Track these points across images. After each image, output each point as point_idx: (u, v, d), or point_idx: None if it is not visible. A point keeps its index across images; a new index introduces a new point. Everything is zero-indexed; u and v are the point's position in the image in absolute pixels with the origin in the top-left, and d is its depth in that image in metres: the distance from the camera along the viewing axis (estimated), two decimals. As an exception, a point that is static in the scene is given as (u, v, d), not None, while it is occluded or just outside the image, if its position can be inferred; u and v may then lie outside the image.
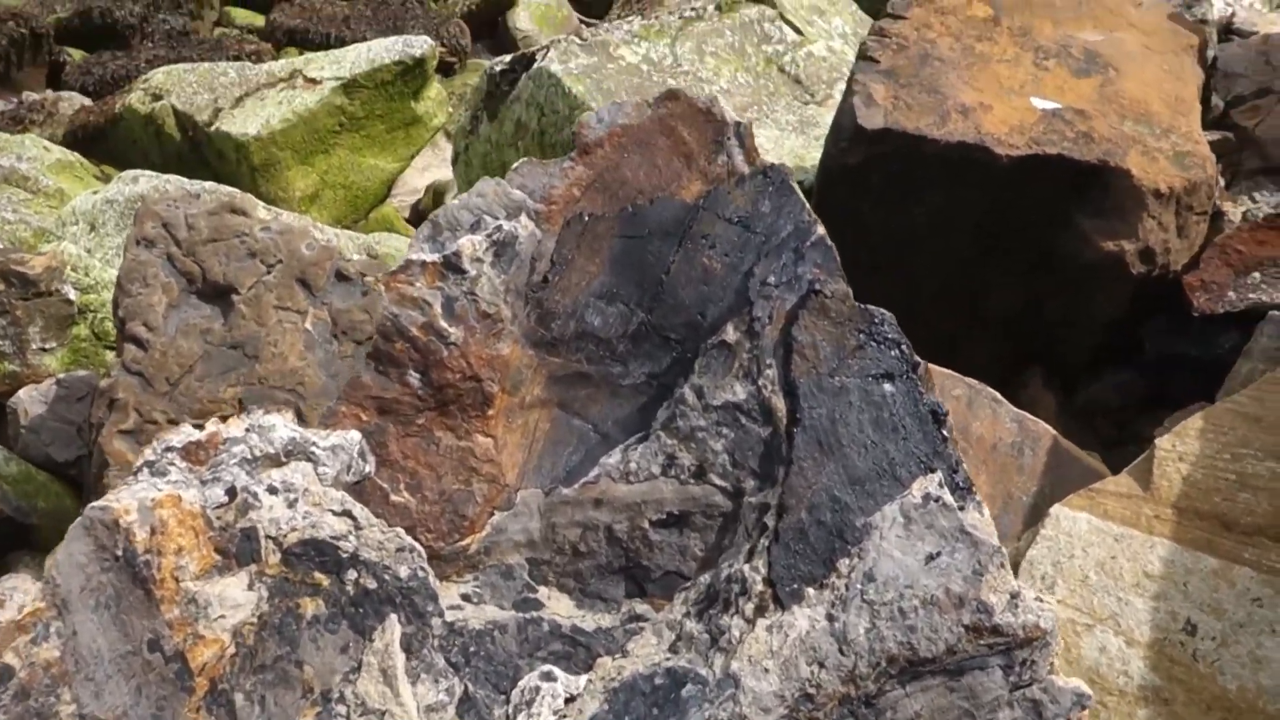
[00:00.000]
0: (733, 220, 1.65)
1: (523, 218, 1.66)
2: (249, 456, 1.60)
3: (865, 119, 2.29)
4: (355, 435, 1.64)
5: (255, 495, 1.59)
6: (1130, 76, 2.53)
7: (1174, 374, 2.49)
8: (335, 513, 1.60)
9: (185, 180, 3.53)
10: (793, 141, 3.25)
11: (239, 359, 1.78)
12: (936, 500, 1.49)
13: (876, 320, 1.57)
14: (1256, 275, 2.41)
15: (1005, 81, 2.46)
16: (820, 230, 1.63)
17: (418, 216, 4.84)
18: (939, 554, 1.47)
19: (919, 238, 2.42)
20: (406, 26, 6.57)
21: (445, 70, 6.17)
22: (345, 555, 1.58)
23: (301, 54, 5.89)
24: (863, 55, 2.49)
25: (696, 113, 1.69)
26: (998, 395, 2.02)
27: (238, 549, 1.57)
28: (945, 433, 1.54)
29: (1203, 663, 1.60)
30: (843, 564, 1.49)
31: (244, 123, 4.77)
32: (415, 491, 1.64)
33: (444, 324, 1.62)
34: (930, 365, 1.60)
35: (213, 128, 4.82)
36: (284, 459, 1.61)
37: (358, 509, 1.61)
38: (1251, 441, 1.69)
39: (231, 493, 1.59)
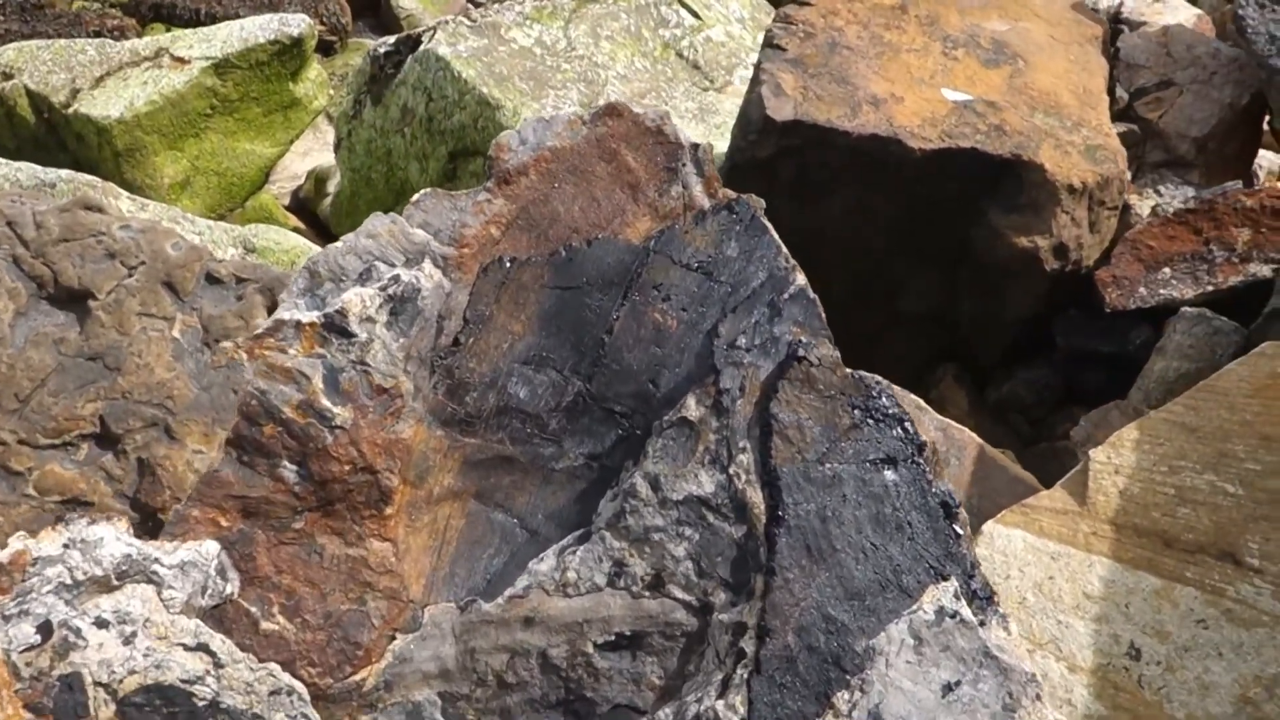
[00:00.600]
0: (691, 266, 1.33)
1: (426, 265, 1.31)
2: (68, 581, 1.22)
3: (774, 110, 2.19)
4: (212, 547, 1.26)
5: (78, 631, 1.21)
6: (1039, 68, 2.52)
7: (1086, 370, 2.49)
8: (187, 647, 1.23)
9: (39, 168, 3.18)
10: (693, 129, 3.10)
11: (99, 371, 1.65)
12: (953, 615, 1.21)
13: (873, 392, 1.27)
14: (1167, 271, 2.40)
15: (915, 71, 2.42)
16: (800, 279, 1.32)
17: (298, 204, 4.62)
18: (959, 684, 1.18)
19: (832, 233, 2.36)
20: (282, 3, 6.11)
21: (325, 50, 5.81)
22: (202, 703, 1.21)
23: (168, 31, 5.60)
24: (769, 43, 2.39)
25: (643, 132, 1.36)
26: (921, 402, 1.91)
27: (56, 703, 1.19)
28: (958, 529, 1.25)
29: (1149, 689, 1.51)
30: (841, 699, 1.19)
31: (105, 105, 4.41)
32: (293, 615, 1.28)
33: (326, 402, 1.26)
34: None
35: (70, 110, 4.44)
36: (116, 581, 1.23)
37: (217, 641, 1.24)
38: (1188, 453, 1.61)
39: (45, 629, 1.20)
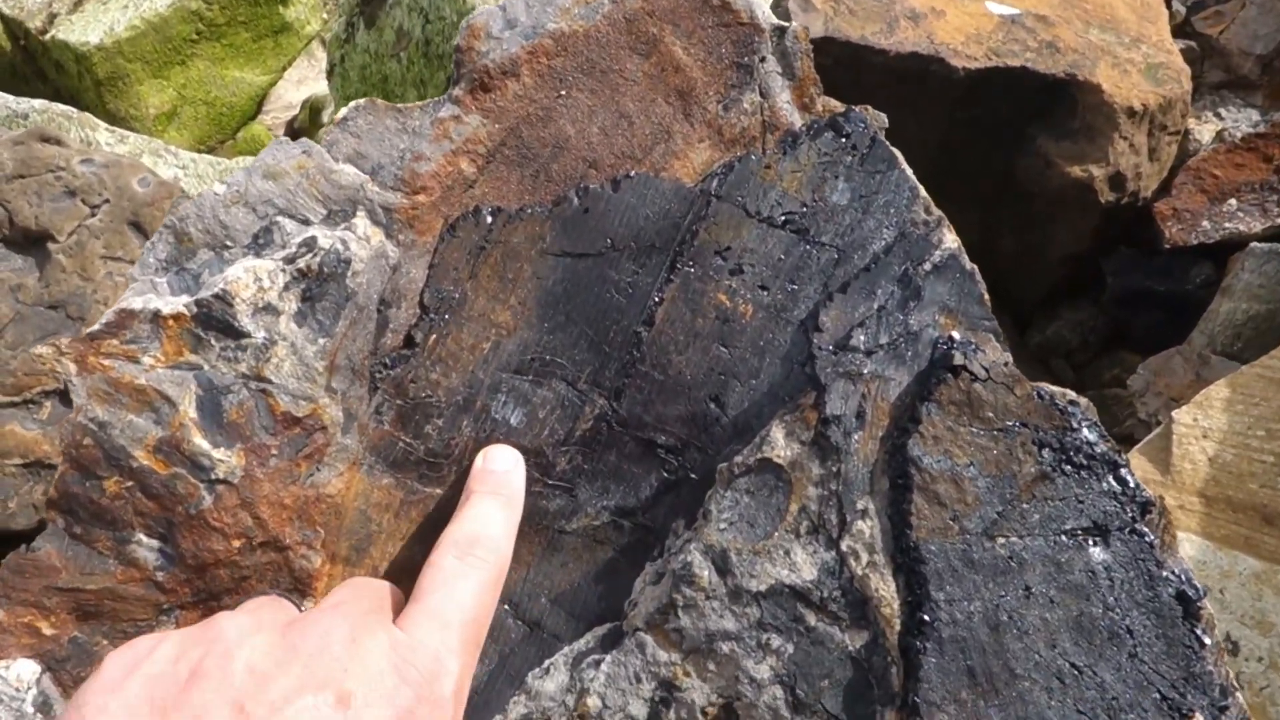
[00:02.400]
0: (776, 221, 0.85)
1: (360, 221, 0.83)
2: None
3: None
4: (29, 669, 0.80)
5: None
6: (1091, -24, 2.30)
7: (1138, 312, 2.36)
8: (-6, 825, 0.78)
9: (10, 98, 3.00)
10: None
11: (60, 321, 1.57)
12: (1201, 778, 0.75)
13: (1073, 420, 0.80)
14: (1233, 203, 2.24)
15: (957, -17, 2.20)
16: (950, 240, 0.84)
17: (294, 135, 4.42)
18: None
19: (864, 165, 2.12)
20: (269, -79, 5.70)
21: (317, -30, 5.47)
22: None
23: (149, -50, 5.25)
24: None
25: (699, 7, 0.87)
26: None
27: None
28: (1203, 635, 0.79)
29: (1249, 689, 1.35)
30: None
31: (84, 30, 4.22)
32: (162, 768, 0.82)
33: (203, 442, 0.79)
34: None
35: (48, 36, 4.26)
36: (-125, 728, 0.78)
37: (43, 811, 0.79)
38: None
39: None
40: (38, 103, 2.97)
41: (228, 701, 0.61)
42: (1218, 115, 2.82)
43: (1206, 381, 1.73)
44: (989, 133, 2.16)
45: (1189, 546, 1.46)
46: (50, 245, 1.60)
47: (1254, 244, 2.10)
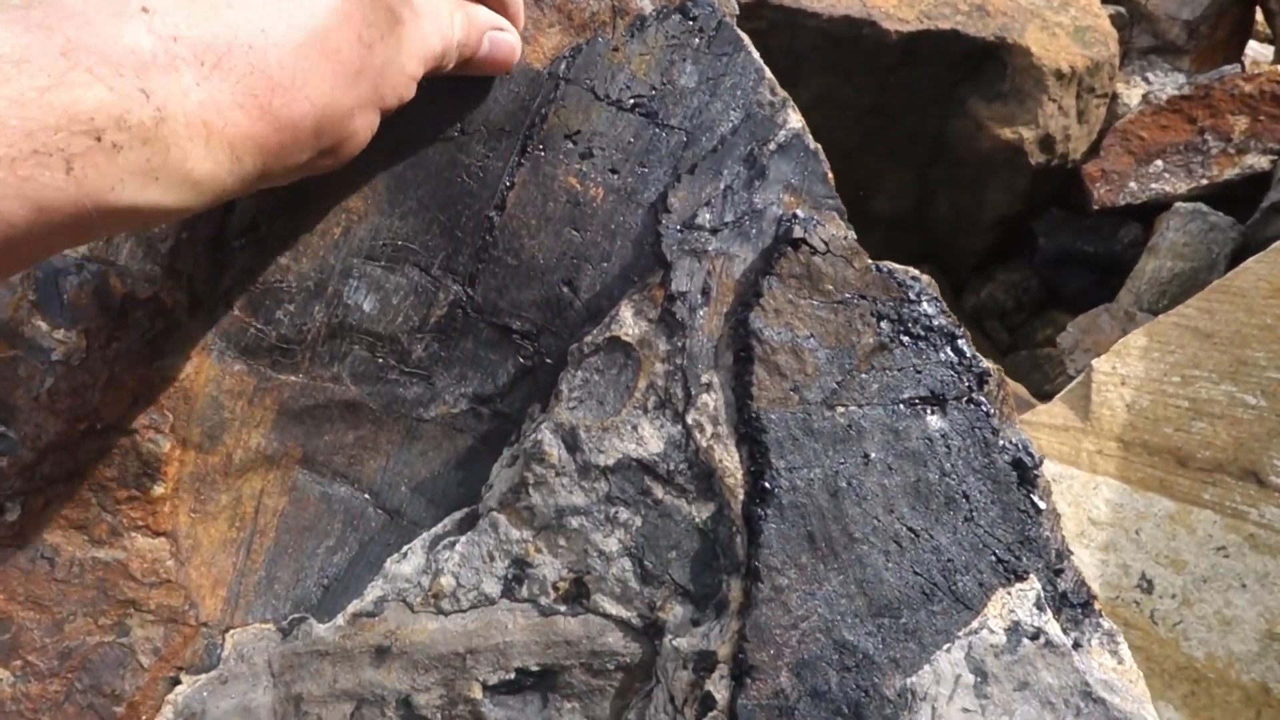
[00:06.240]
0: (625, 104, 0.85)
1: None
2: None
3: None
4: None
5: None
6: (1021, -59, 2.36)
7: (1069, 272, 2.38)
8: None
9: None
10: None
11: None
12: (1033, 635, 0.77)
13: (910, 293, 0.81)
14: (1159, 164, 2.26)
15: (890, -54, 2.27)
16: (794, 120, 0.85)
17: None
18: (1045, 743, 0.76)
19: (800, 127, 2.19)
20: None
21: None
22: None
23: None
24: None
25: (545, -113, 0.87)
26: None
27: None
28: (1039, 500, 0.81)
29: (1163, 625, 1.39)
30: (863, 772, 0.76)
31: None
32: (8, 656, 0.82)
33: (42, 323, 0.78)
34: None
35: None
36: None
37: (-116, 702, 0.78)
38: (1204, 361, 1.48)
39: None
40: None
41: None
42: (1145, 80, 2.86)
43: (1132, 337, 1.79)
44: (921, 96, 2.18)
45: (1106, 489, 1.48)
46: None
47: (1178, 204, 2.14)
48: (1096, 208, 2.23)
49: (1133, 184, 2.25)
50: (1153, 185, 2.21)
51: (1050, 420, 1.55)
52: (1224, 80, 2.24)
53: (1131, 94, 2.59)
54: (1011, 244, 2.42)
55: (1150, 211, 2.22)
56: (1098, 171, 2.26)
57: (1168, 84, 2.68)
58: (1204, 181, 2.19)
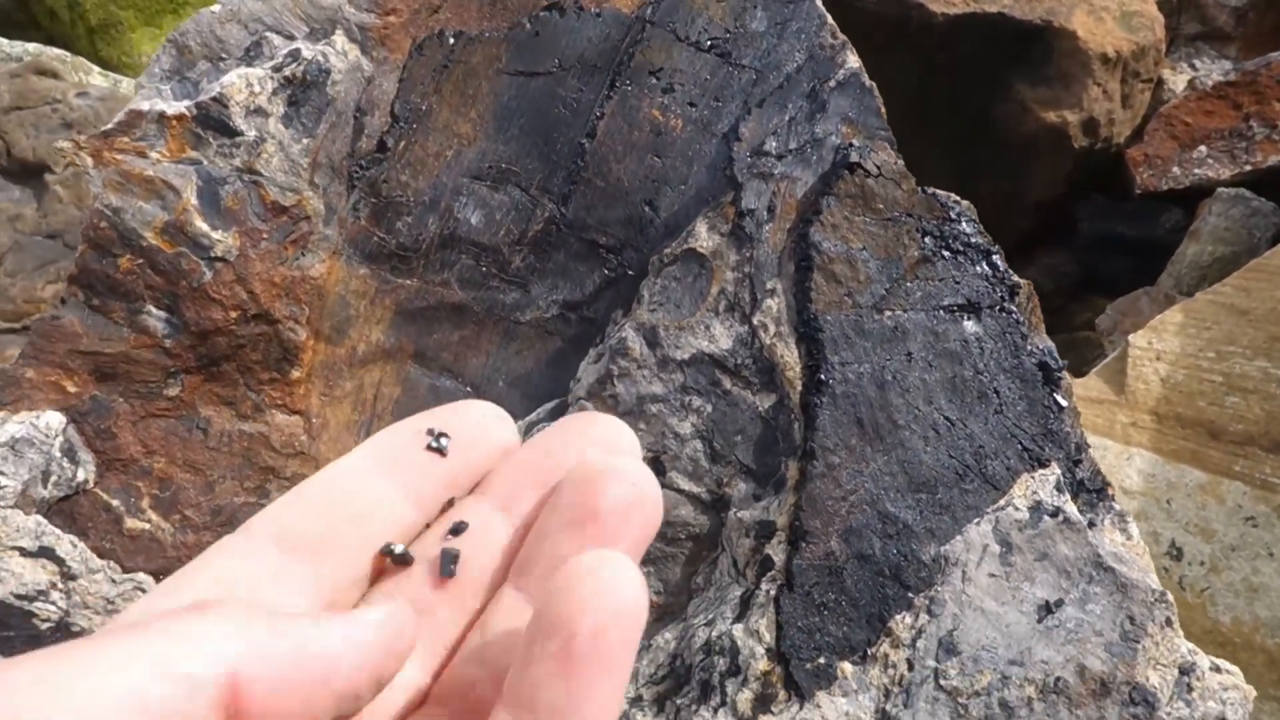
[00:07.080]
0: (702, 45, 0.97)
1: (338, 38, 0.95)
2: None
3: None
4: (56, 419, 0.93)
5: (-128, 532, 0.89)
6: (1069, -75, 2.37)
7: (1109, 256, 2.41)
8: (25, 552, 0.91)
9: (4, 40, 3.14)
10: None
11: (58, 250, 1.57)
12: (1053, 513, 0.89)
13: (951, 214, 0.93)
14: (1203, 149, 2.29)
15: (935, -70, 2.27)
16: (852, 61, 0.97)
17: None
18: (1060, 603, 0.87)
19: (843, 109, 2.19)
20: None
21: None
22: (46, 624, 0.90)
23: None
24: None
25: None
26: None
27: None
28: (1060, 399, 0.93)
29: (1191, 592, 1.43)
30: (901, 625, 0.88)
31: None
32: (169, 510, 0.96)
33: (203, 224, 0.92)
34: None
35: None
36: (-77, 466, 0.91)
37: (66, 544, 0.92)
38: (1238, 337, 1.50)
39: None
40: (31, 46, 2.88)
41: None
42: (1192, 66, 2.86)
43: (1169, 318, 1.82)
44: (966, 78, 2.19)
45: (1139, 460, 1.53)
46: (47, 176, 1.60)
47: (1221, 189, 2.15)
48: (1139, 192, 2.24)
49: (1176, 169, 2.26)
50: (1196, 170, 2.22)
51: (1085, 393, 1.59)
52: (1270, 66, 2.24)
53: (1177, 80, 2.60)
54: (1053, 227, 2.42)
55: (1193, 196, 2.22)
56: (1141, 156, 2.27)
57: (1214, 71, 2.68)
58: (1247, 167, 2.19)
